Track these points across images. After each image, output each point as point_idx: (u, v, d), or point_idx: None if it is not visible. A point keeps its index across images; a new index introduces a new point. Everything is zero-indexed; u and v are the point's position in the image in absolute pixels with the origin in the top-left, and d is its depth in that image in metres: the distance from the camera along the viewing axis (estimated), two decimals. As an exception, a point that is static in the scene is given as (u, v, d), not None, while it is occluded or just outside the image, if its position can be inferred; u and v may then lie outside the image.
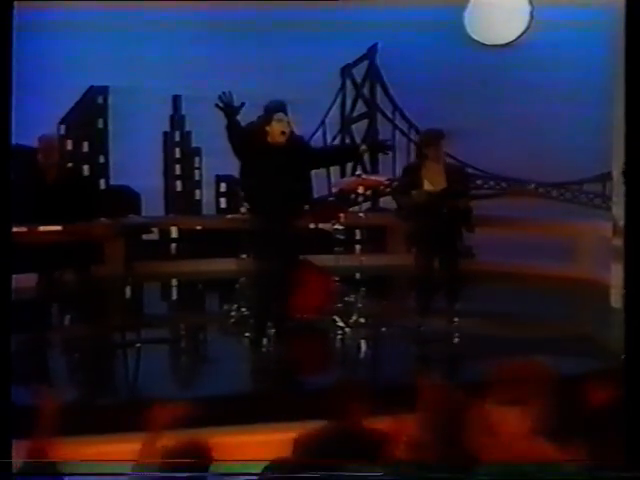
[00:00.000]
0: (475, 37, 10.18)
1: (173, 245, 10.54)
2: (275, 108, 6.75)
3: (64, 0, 9.43)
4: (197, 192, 10.87)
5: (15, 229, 6.36)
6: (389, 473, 3.45)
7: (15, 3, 4.53)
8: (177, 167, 10.85)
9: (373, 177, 8.19)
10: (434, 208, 7.18)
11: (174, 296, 9.73)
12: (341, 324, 7.22)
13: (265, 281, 6.69)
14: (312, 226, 7.23)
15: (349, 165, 10.46)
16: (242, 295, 7.44)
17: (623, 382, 3.99)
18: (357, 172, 7.84)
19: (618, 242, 7.98)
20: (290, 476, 3.54)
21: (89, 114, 10.54)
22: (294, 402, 4.85)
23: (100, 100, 10.58)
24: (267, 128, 6.70)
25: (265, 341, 6.63)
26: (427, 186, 7.34)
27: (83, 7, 9.64)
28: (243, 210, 7.26)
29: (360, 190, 7.53)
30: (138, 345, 6.55)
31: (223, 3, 9.47)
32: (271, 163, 6.58)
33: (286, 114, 6.72)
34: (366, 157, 9.94)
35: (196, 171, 10.85)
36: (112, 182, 10.44)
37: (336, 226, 7.32)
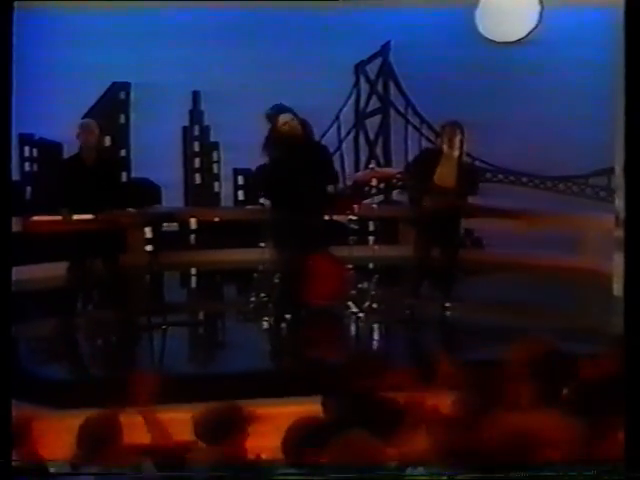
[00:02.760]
0: (486, 34, 10.42)
1: (199, 236, 10.83)
2: (277, 111, 7.17)
3: (65, 0, 9.82)
4: (216, 185, 11.16)
5: (53, 217, 6.84)
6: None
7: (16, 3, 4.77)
8: (196, 161, 11.14)
9: (386, 170, 8.50)
10: (439, 203, 7.54)
11: (199, 284, 10.01)
12: (355, 310, 7.56)
13: (284, 269, 7.06)
14: (327, 217, 7.56)
15: (363, 158, 10.80)
16: (261, 282, 7.76)
17: (623, 381, 3.99)
18: (371, 165, 8.15)
19: (620, 233, 8.26)
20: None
21: (111, 109, 10.83)
22: (310, 379, 5.18)
23: (122, 96, 10.88)
24: (275, 130, 7.15)
25: (283, 325, 7.00)
26: (437, 179, 7.65)
27: (105, 9, 10.00)
28: (261, 201, 7.61)
29: (374, 182, 7.84)
30: (164, 327, 6.95)
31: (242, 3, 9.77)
32: (287, 160, 6.97)
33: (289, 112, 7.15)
34: (379, 150, 10.28)
35: (214, 164, 11.14)
36: (133, 175, 10.74)
37: (350, 217, 7.63)
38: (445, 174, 7.68)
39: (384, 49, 10.92)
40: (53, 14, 10.03)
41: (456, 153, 7.72)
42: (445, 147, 7.75)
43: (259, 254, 7.88)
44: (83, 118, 10.55)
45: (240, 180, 11.04)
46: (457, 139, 7.72)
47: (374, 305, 7.62)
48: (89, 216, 7.01)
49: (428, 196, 7.57)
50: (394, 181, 9.48)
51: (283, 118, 7.18)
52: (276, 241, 7.25)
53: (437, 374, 4.37)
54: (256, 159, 8.42)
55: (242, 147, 9.98)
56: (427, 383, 4.33)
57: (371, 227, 9.76)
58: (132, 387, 4.14)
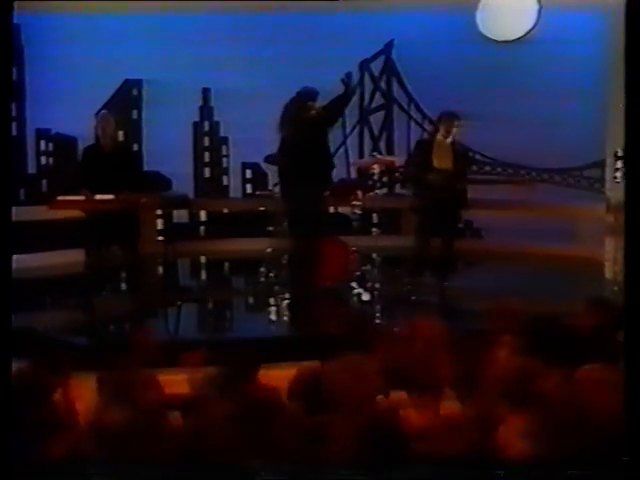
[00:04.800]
0: (486, 33, 10.73)
1: (209, 225, 11.21)
2: (307, 96, 7.52)
3: (66, 0, 10.14)
4: (224, 178, 11.49)
5: (76, 197, 7.23)
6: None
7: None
8: (206, 155, 11.46)
9: (388, 157, 8.91)
10: (438, 185, 7.96)
11: (211, 267, 10.37)
12: (359, 290, 7.94)
13: (292, 252, 7.47)
14: (333, 205, 7.94)
15: (367, 153, 11.14)
16: (270, 264, 8.15)
17: (622, 381, 3.89)
18: (373, 153, 8.53)
19: (610, 219, 8.65)
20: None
21: (124, 105, 11.12)
22: (317, 345, 5.54)
23: (135, 92, 11.18)
24: (300, 113, 7.49)
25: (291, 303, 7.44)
26: (435, 163, 8.11)
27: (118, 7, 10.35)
28: (270, 188, 8.00)
29: (376, 169, 8.23)
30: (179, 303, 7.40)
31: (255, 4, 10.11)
32: (303, 143, 7.34)
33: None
34: (383, 145, 10.66)
35: (224, 159, 11.45)
36: (145, 168, 11.05)
37: (354, 202, 8.02)
38: (442, 158, 8.15)
39: (387, 47, 11.23)
40: (67, 13, 10.38)
41: (450, 139, 8.21)
42: (441, 135, 8.22)
43: (267, 242, 8.25)
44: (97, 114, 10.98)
45: (248, 174, 11.39)
46: (453, 128, 8.18)
47: (376, 285, 8.01)
48: (108, 196, 7.35)
49: (429, 178, 8.01)
50: (395, 170, 9.83)
51: (312, 104, 7.47)
52: (285, 225, 7.64)
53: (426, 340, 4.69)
54: (264, 153, 8.79)
55: (250, 142, 10.29)
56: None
57: (375, 218, 10.15)
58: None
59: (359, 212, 8.10)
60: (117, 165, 7.76)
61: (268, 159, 8.01)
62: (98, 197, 7.35)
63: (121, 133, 10.99)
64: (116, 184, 7.57)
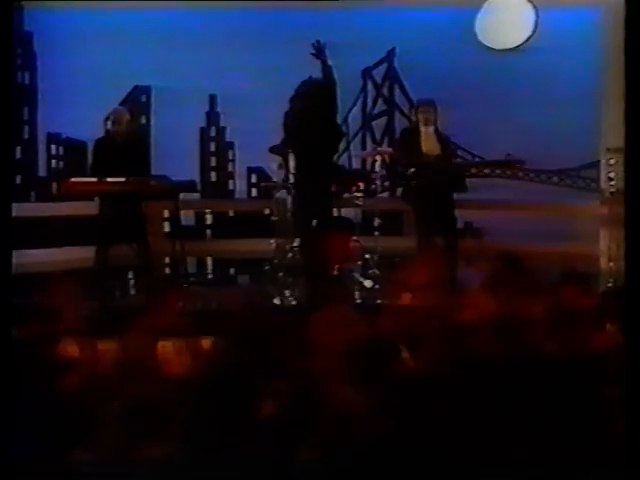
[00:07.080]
0: (485, 42, 11.00)
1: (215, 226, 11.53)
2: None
3: (70, 0, 10.43)
4: (230, 182, 11.74)
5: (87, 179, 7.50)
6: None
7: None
8: (212, 160, 11.68)
9: (389, 149, 9.23)
10: (431, 169, 8.28)
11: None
12: (360, 279, 8.20)
13: (298, 241, 7.75)
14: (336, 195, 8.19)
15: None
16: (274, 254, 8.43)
17: (622, 382, 3.84)
18: (374, 145, 8.84)
19: (604, 211, 8.89)
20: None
21: (133, 111, 11.41)
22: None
23: (143, 99, 11.41)
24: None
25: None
26: (424, 149, 8.44)
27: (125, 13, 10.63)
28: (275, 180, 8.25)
29: (377, 160, 8.53)
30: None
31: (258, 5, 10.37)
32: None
33: None
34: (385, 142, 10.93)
35: (229, 163, 11.71)
36: (153, 173, 11.27)
37: (356, 193, 8.28)
38: (429, 145, 8.48)
39: (389, 55, 11.47)
40: (78, 19, 10.68)
41: (432, 128, 8.50)
42: (422, 123, 8.48)
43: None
44: (107, 119, 11.19)
45: (253, 178, 11.63)
46: (432, 115, 8.42)
47: (376, 271, 8.29)
48: (119, 179, 7.59)
49: (422, 162, 8.33)
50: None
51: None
52: (290, 215, 7.89)
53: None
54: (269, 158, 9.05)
55: (255, 147, 10.52)
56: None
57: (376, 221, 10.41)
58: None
59: (360, 203, 8.33)
60: (130, 157, 8.00)
61: (273, 150, 8.25)
62: (109, 179, 7.58)
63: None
64: (128, 173, 7.81)
